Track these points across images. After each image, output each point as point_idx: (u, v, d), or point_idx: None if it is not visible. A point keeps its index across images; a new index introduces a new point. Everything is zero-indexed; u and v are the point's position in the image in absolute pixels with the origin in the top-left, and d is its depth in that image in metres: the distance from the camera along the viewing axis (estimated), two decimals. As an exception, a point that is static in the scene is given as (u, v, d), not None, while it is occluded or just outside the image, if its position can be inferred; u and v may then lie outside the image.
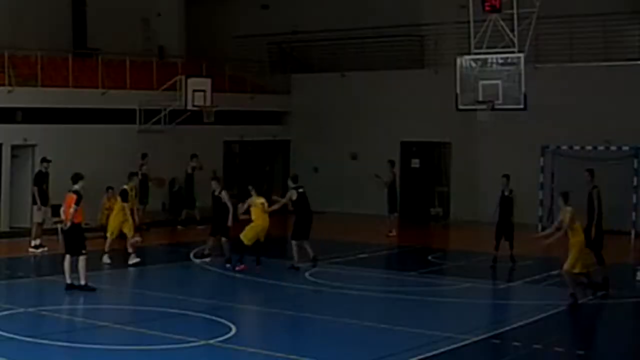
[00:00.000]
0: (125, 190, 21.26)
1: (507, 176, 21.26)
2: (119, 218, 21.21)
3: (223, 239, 20.89)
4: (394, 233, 26.49)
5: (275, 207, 20.63)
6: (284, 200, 20.92)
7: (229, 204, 20.88)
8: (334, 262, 21.22)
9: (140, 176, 26.57)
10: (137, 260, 20.75)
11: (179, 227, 28.08)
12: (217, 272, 20.24)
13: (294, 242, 20.30)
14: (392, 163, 27.39)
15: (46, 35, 30.33)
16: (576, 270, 16.72)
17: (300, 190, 20.51)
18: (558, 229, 16.99)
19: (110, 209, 25.18)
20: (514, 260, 20.95)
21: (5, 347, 13.01)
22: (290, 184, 20.82)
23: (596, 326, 16.06)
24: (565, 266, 16.66)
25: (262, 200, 20.19)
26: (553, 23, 26.64)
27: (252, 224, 19.96)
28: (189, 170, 28.22)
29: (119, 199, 21.58)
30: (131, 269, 20.50)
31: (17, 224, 25.48)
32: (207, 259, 21.36)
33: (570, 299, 16.60)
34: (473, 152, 30.10)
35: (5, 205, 25.61)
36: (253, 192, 20.19)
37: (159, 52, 34.23)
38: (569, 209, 16.78)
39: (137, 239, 21.18)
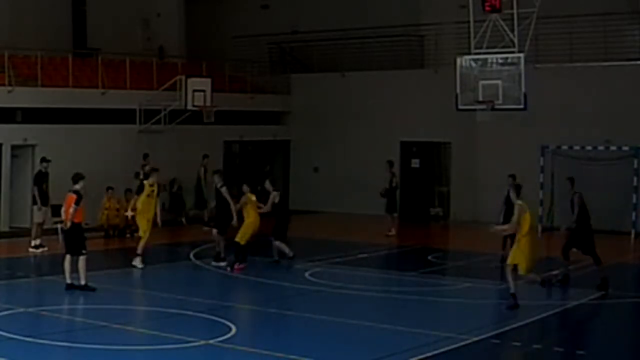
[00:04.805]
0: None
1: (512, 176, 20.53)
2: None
3: (215, 231, 20.90)
4: (393, 232, 26.50)
5: (262, 210, 20.71)
6: (268, 206, 21.03)
7: (229, 199, 20.74)
8: (334, 262, 21.21)
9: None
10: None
11: (183, 219, 28.54)
12: (217, 272, 20.22)
13: (276, 242, 21.04)
14: (391, 163, 27.38)
15: (46, 35, 30.33)
16: (522, 273, 16.18)
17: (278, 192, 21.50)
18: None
19: (110, 209, 25.34)
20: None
21: (5, 347, 13.00)
22: (269, 186, 21.46)
23: (596, 326, 16.05)
24: (514, 261, 16.13)
25: (254, 197, 20.52)
26: (553, 23, 26.64)
27: (246, 222, 20.09)
28: (201, 173, 28.31)
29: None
30: (131, 269, 20.46)
31: (17, 224, 25.49)
32: (223, 263, 20.51)
33: (511, 300, 16.26)
34: (473, 152, 30.09)
35: (5, 205, 25.63)
36: (247, 190, 20.39)
37: (159, 52, 34.23)
38: (519, 202, 16.31)
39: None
